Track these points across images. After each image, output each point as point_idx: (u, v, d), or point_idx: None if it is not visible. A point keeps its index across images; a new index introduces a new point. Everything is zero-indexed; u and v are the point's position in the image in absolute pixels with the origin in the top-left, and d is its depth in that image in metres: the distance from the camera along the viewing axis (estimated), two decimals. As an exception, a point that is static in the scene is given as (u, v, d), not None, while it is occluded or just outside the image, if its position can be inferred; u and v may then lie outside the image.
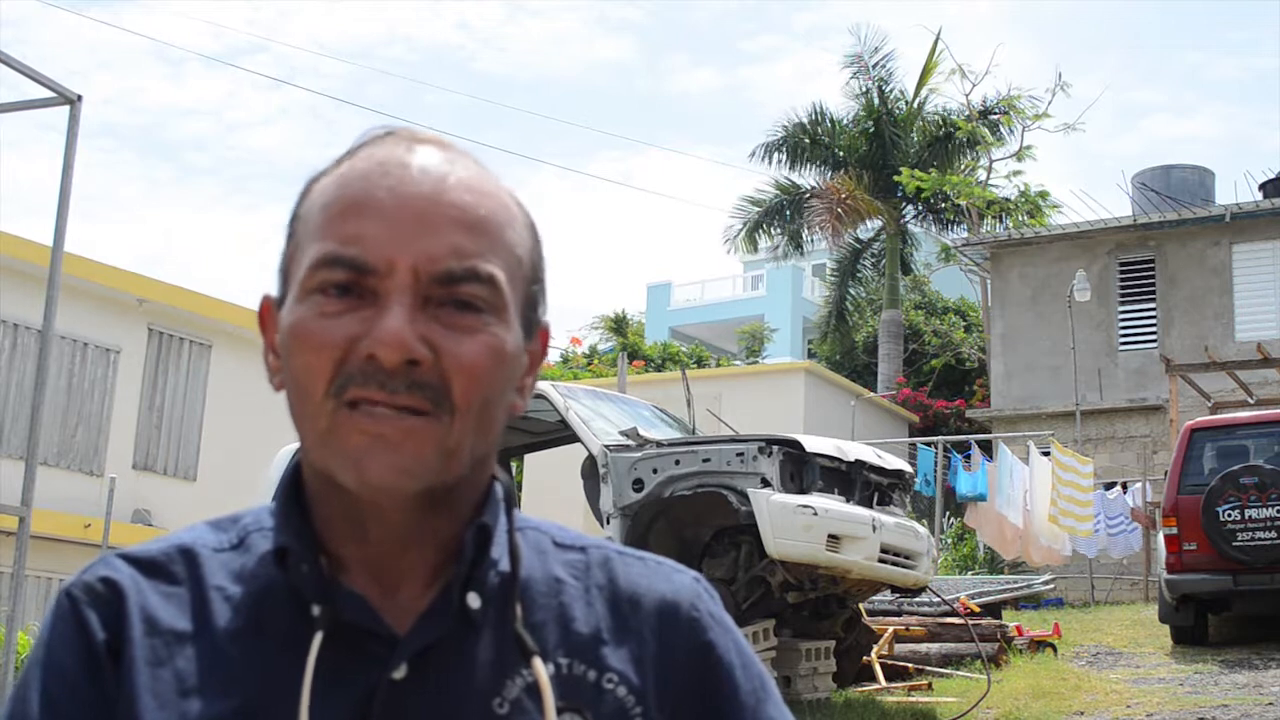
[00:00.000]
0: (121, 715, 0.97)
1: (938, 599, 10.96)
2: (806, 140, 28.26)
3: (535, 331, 1.05)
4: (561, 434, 9.87)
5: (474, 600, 1.00)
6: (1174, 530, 10.79)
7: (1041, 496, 14.92)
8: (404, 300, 0.95)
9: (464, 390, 0.96)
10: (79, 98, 6.64)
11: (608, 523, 8.32)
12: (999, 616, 12.19)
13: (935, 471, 16.29)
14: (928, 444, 17.12)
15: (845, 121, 28.35)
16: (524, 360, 1.03)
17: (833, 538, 7.85)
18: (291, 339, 0.98)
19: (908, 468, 9.20)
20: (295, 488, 1.03)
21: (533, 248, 1.05)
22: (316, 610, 0.98)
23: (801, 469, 8.16)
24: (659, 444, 8.43)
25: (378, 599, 1.00)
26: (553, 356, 31.26)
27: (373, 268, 0.96)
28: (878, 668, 9.48)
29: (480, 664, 0.99)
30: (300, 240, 1.01)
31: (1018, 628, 10.97)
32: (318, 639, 0.97)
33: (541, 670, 0.99)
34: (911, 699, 8.81)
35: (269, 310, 1.05)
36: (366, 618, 0.98)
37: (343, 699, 0.96)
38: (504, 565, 1.02)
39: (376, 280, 0.96)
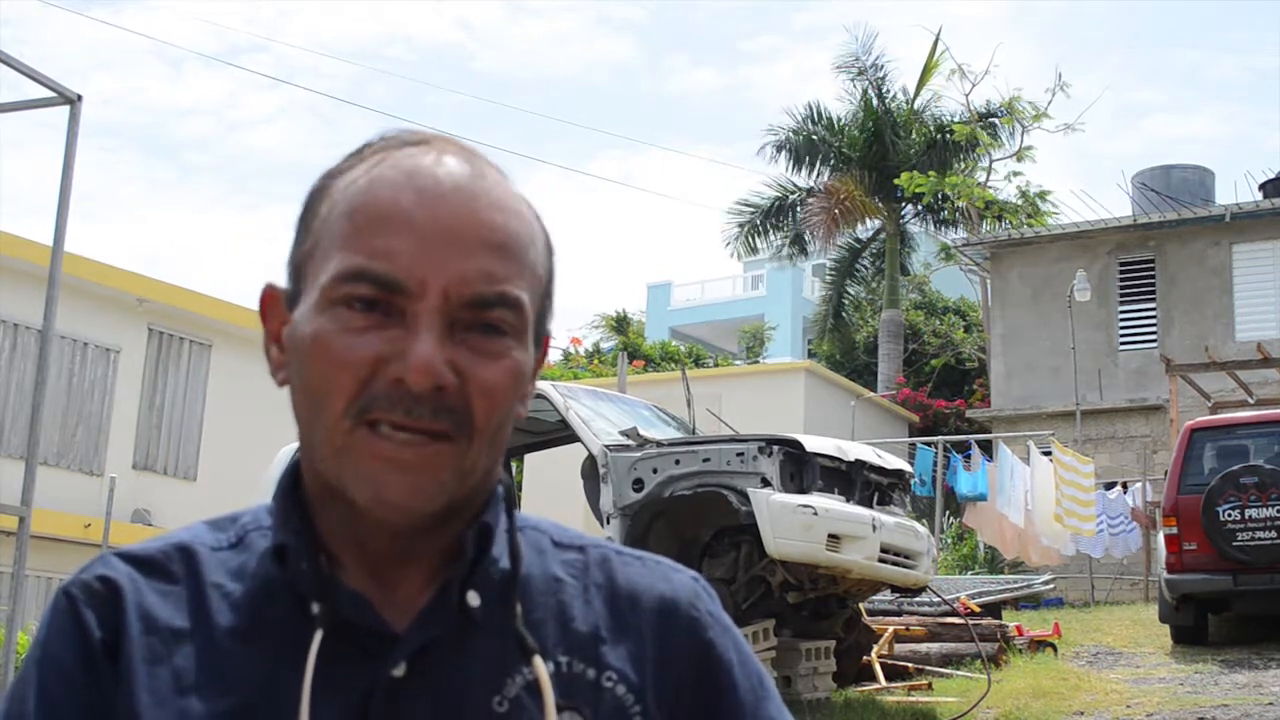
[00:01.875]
0: (119, 714, 0.96)
1: (938, 599, 10.95)
2: (810, 140, 28.27)
3: (540, 340, 1.05)
4: (561, 434, 9.86)
5: (474, 598, 0.99)
6: (1174, 530, 10.78)
7: (1044, 496, 14.90)
8: (434, 324, 0.94)
9: (485, 413, 0.96)
10: (79, 97, 6.63)
11: (608, 523, 8.31)
12: (999, 616, 12.18)
13: (934, 472, 16.28)
14: (928, 444, 17.11)
15: (843, 122, 28.37)
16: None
17: (833, 537, 7.84)
18: (313, 350, 0.97)
19: (908, 468, 9.20)
20: (294, 486, 1.03)
21: (548, 263, 1.04)
22: (316, 608, 0.98)
23: (801, 469, 8.16)
24: (659, 444, 8.43)
25: (377, 597, 0.99)
26: (553, 356, 31.27)
27: (403, 287, 0.95)
28: (878, 668, 9.48)
29: (480, 662, 0.99)
30: (320, 242, 0.99)
31: (1018, 628, 10.97)
32: (318, 637, 0.96)
33: (542, 669, 0.99)
34: (911, 699, 8.81)
35: (273, 300, 1.04)
36: (366, 616, 0.98)
37: (342, 697, 0.96)
38: (504, 564, 1.02)
39: (406, 300, 0.95)
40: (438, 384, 0.94)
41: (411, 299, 0.95)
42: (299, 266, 1.01)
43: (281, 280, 1.04)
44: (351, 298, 0.95)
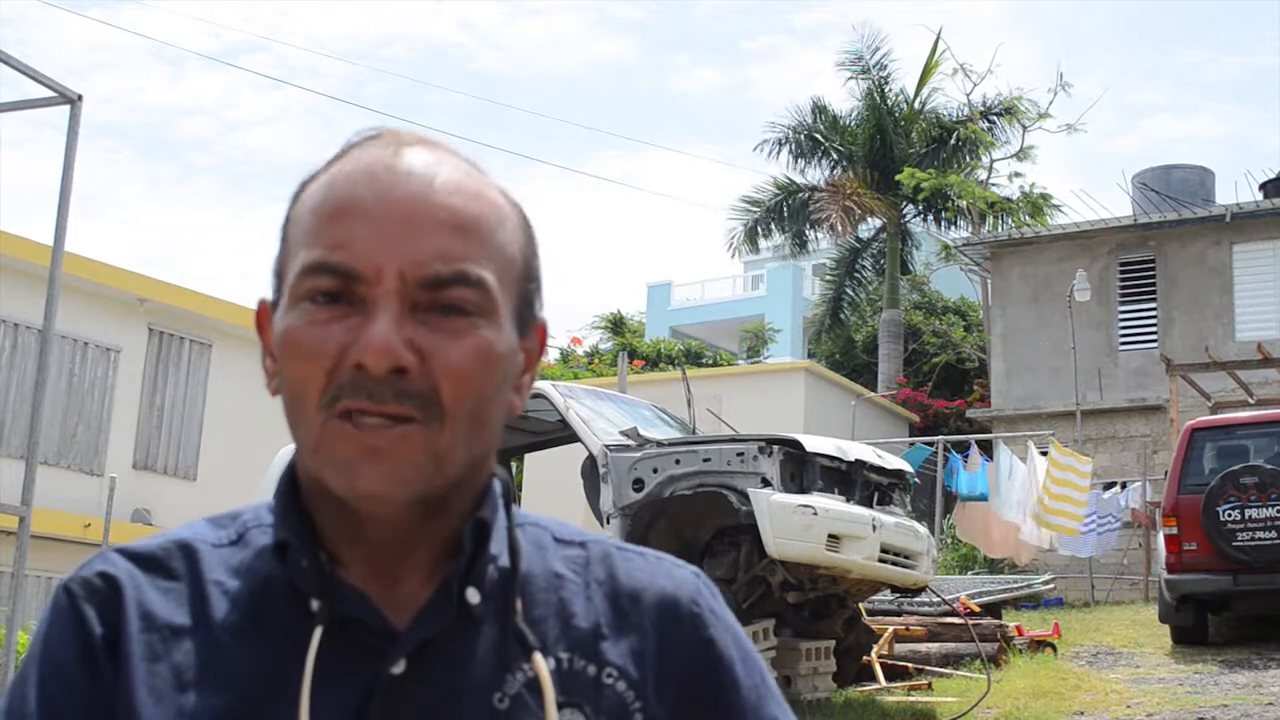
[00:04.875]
0: (119, 710, 0.96)
1: (938, 599, 10.95)
2: (814, 137, 28.25)
3: (531, 329, 1.05)
4: (561, 434, 9.85)
5: (473, 595, 0.99)
6: (1174, 530, 10.78)
7: (1031, 493, 14.87)
8: (391, 307, 0.95)
9: (453, 394, 0.95)
10: (79, 97, 6.63)
11: (608, 522, 8.31)
12: (999, 616, 12.18)
13: (933, 472, 16.26)
14: (928, 443, 17.11)
15: (847, 119, 28.37)
16: (519, 359, 1.03)
17: (833, 537, 7.84)
18: (283, 347, 0.98)
19: (908, 468, 9.20)
20: (293, 485, 1.03)
21: (526, 246, 1.04)
22: (316, 605, 0.98)
23: (801, 469, 8.16)
24: (659, 444, 8.43)
25: (377, 594, 0.99)
26: (553, 356, 31.27)
27: (360, 274, 0.95)
28: (878, 668, 9.48)
29: (480, 659, 0.99)
30: (291, 244, 1.01)
31: (1018, 628, 10.96)
32: (318, 634, 0.96)
33: (542, 665, 0.99)
34: (911, 699, 8.81)
35: (265, 314, 1.05)
36: (366, 613, 0.98)
37: (342, 694, 0.96)
38: (503, 560, 1.02)
39: (364, 287, 0.95)
40: (396, 365, 0.93)
41: (369, 285, 0.95)
42: (279, 272, 1.02)
43: (270, 292, 1.05)
44: (315, 291, 0.96)
